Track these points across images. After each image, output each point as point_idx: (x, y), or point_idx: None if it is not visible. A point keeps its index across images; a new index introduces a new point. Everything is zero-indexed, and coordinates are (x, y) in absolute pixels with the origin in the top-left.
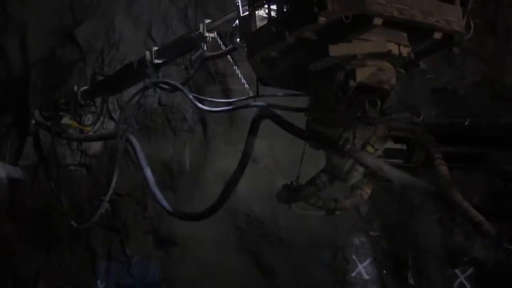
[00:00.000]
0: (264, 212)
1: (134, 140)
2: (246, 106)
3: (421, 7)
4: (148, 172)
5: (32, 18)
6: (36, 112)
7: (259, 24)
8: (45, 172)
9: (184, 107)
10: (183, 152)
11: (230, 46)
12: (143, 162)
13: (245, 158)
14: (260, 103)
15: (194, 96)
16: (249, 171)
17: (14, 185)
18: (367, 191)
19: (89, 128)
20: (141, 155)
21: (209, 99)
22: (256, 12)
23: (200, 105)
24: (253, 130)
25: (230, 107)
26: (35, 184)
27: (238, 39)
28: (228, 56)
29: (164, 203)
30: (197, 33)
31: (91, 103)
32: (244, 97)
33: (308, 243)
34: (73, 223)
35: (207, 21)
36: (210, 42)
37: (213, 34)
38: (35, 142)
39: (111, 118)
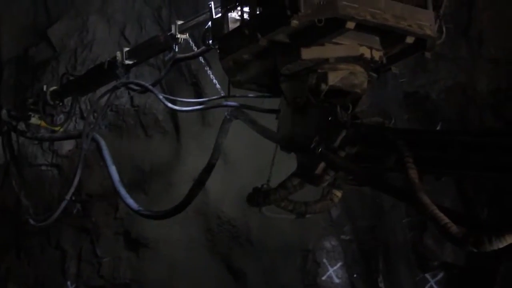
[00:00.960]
0: (235, 214)
1: (100, 139)
2: (218, 106)
3: (393, 11)
4: (113, 170)
5: (5, 17)
6: (3, 112)
7: (232, 26)
8: (15, 171)
9: (156, 108)
10: (155, 153)
11: (202, 47)
12: (109, 160)
13: (214, 158)
14: (232, 103)
15: (164, 96)
16: (221, 173)
17: None
18: (338, 194)
19: (59, 128)
20: (106, 153)
21: (180, 99)
22: (229, 14)
23: (170, 105)
24: (223, 130)
25: (201, 106)
26: (6, 183)
27: (210, 41)
28: (200, 57)
29: (129, 201)
30: (169, 34)
31: (60, 103)
32: (215, 97)
33: (279, 246)
34: (31, 221)
35: (179, 22)
36: (182, 43)
37: (185, 35)
38: (7, 141)
39: (83, 118)
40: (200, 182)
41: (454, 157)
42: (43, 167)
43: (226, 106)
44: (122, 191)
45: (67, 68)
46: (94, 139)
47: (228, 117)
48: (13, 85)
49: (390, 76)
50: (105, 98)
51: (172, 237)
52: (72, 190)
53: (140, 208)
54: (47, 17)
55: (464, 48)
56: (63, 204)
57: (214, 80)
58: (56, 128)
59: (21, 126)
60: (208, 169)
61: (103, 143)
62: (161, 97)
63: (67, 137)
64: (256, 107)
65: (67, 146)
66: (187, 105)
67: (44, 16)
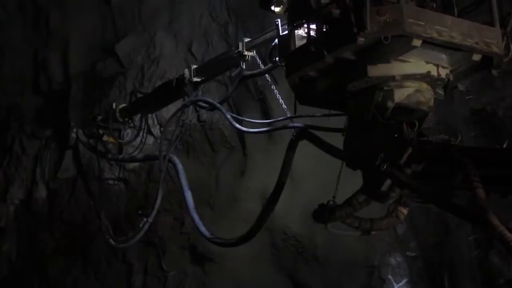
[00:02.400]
0: (301, 230)
1: (177, 162)
2: (284, 128)
3: (460, 29)
4: (189, 196)
5: (74, 33)
6: (80, 132)
7: (298, 43)
8: (84, 185)
9: (223, 124)
10: (221, 168)
11: (269, 65)
12: (185, 185)
13: (283, 178)
14: (298, 124)
15: (232, 116)
16: (287, 188)
17: (52, 198)
18: (404, 211)
19: (127, 144)
20: (183, 177)
21: (247, 119)
22: (295, 31)
23: (237, 125)
24: (291, 150)
25: (268, 128)
26: (73, 197)
27: (277, 58)
28: (267, 75)
29: (202, 228)
30: (236, 51)
31: (129, 121)
32: (281, 118)
33: (344, 262)
34: (111, 241)
35: (246, 39)
36: (249, 60)
37: (252, 52)
38: (74, 156)
39: (150, 133)
40: (271, 203)
41: None
42: (110, 181)
43: (293, 127)
44: (196, 218)
45: (134, 84)
46: (171, 161)
47: (294, 137)
48: (80, 100)
49: (457, 93)
50: (176, 116)
51: (238, 252)
52: (154, 212)
53: (212, 236)
54: (114, 33)
55: None
56: (146, 226)
57: (280, 100)
58: (122, 142)
59: (99, 147)
60: (278, 190)
61: (180, 167)
62: (228, 116)
63: (146, 158)
64: (321, 127)
65: None
66: (253, 125)
67: (112, 32)
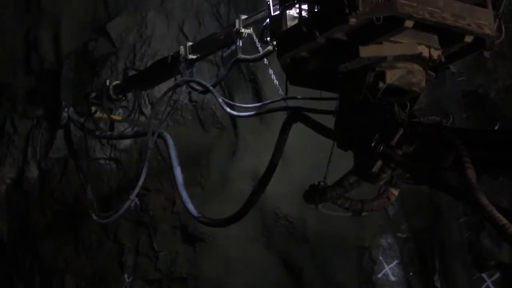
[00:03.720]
0: (292, 211)
1: (168, 137)
2: (276, 110)
3: (452, 10)
4: (178, 172)
5: (65, 12)
6: (70, 109)
7: (290, 23)
8: (75, 165)
9: (214, 104)
10: (212, 148)
11: (266, 49)
12: (175, 161)
13: (275, 160)
14: (291, 106)
15: (224, 100)
16: (278, 169)
17: (44, 177)
18: (395, 193)
19: (120, 118)
20: (173, 153)
21: (239, 104)
22: (287, 11)
23: (229, 110)
24: (284, 132)
25: (259, 111)
26: (65, 176)
27: (268, 38)
28: (265, 59)
29: (190, 206)
30: (233, 29)
31: (123, 98)
32: (272, 100)
33: (335, 243)
34: (94, 216)
35: (243, 17)
36: (245, 37)
37: (249, 30)
38: (66, 135)
39: (142, 113)
40: (262, 184)
41: None
42: (102, 161)
43: (286, 109)
44: (184, 196)
45: (125, 64)
46: (161, 137)
47: (288, 120)
48: (72, 80)
49: (449, 75)
50: (167, 95)
51: (229, 232)
52: (137, 190)
53: (200, 215)
54: (106, 12)
55: None
56: (128, 203)
57: (275, 80)
58: (117, 118)
59: (89, 124)
60: (270, 171)
61: (170, 142)
62: (220, 100)
63: (135, 135)
64: (314, 109)
65: (126, 141)
66: (245, 110)
67: (104, 12)
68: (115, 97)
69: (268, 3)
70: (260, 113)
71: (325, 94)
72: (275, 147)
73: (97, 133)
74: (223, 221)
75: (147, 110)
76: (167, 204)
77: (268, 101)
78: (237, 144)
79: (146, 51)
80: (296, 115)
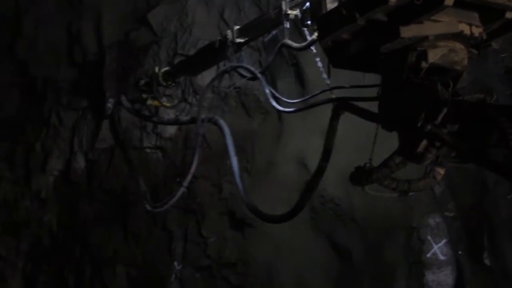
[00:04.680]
0: (338, 193)
1: (224, 125)
2: (323, 103)
3: None
4: (235, 162)
5: (106, 3)
6: (123, 98)
7: (330, 6)
8: (122, 154)
9: (258, 89)
10: (257, 134)
11: (311, 38)
12: (232, 151)
13: (329, 146)
14: (335, 97)
15: (270, 92)
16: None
17: (91, 168)
18: (441, 172)
19: (169, 104)
20: (230, 142)
21: (286, 100)
22: None
23: (275, 105)
24: (335, 118)
25: (306, 105)
26: (112, 167)
27: (309, 22)
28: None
29: (247, 197)
30: (279, 11)
31: (173, 84)
32: (319, 92)
33: (383, 223)
34: (147, 207)
35: None
36: (291, 19)
37: (296, 11)
38: (111, 125)
39: (185, 101)
40: (319, 171)
41: None
42: (147, 150)
43: (330, 101)
44: (241, 186)
45: (168, 52)
46: (217, 124)
47: (335, 110)
48: (115, 70)
49: (491, 52)
50: (214, 82)
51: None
52: (189, 177)
53: (256, 208)
54: (146, 2)
55: None
56: (181, 191)
57: (319, 62)
58: (168, 105)
59: (144, 110)
60: (325, 157)
61: (227, 131)
62: (267, 91)
63: (191, 121)
64: (358, 98)
65: (171, 129)
66: (291, 105)
67: (144, 1)
68: (164, 83)
69: None
70: (306, 108)
71: (368, 78)
72: (326, 134)
73: (154, 118)
74: (277, 218)
75: (191, 98)
76: (214, 190)
77: (315, 92)
78: (281, 129)
79: (187, 39)
80: (342, 105)
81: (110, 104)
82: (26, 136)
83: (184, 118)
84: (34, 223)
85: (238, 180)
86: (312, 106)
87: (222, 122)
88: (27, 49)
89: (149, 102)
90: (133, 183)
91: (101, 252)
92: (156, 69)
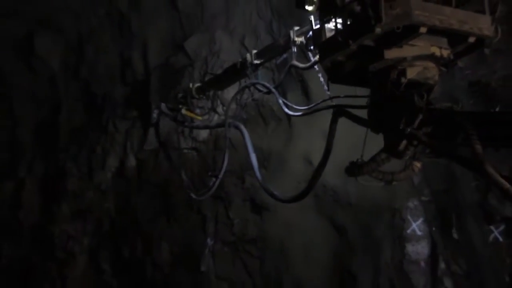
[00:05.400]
0: (337, 183)
1: (242, 128)
2: (323, 108)
3: (457, 17)
4: (254, 158)
5: (151, 34)
6: (163, 105)
7: (328, 34)
8: (164, 154)
9: (272, 101)
10: (272, 137)
11: (313, 60)
12: (251, 148)
13: (329, 147)
14: (334, 104)
15: (283, 101)
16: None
17: (140, 166)
18: (418, 165)
19: (200, 118)
20: (249, 142)
21: (294, 106)
22: (326, 25)
23: (287, 110)
24: (333, 123)
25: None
26: (157, 165)
27: (311, 47)
28: (315, 66)
29: (266, 185)
30: (288, 38)
31: (203, 97)
32: (322, 100)
33: (372, 206)
34: (192, 195)
35: (296, 28)
36: (298, 44)
37: (301, 38)
38: (156, 131)
39: (215, 111)
40: (321, 167)
41: (510, 132)
42: (185, 150)
43: (329, 108)
44: (260, 177)
45: (200, 72)
46: (237, 127)
47: (334, 115)
48: (158, 87)
49: (457, 69)
50: (238, 95)
51: None
52: (223, 171)
53: (275, 192)
54: (183, 32)
55: None
56: (217, 182)
57: (321, 77)
58: (199, 118)
59: (179, 116)
60: (326, 156)
61: (245, 131)
62: (281, 101)
63: (217, 125)
64: (352, 105)
65: (204, 133)
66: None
67: (181, 32)
68: (197, 96)
69: (311, 19)
70: (309, 113)
71: (360, 90)
72: (328, 137)
73: (186, 123)
74: (293, 197)
75: (219, 109)
76: (238, 182)
77: (318, 101)
78: (291, 133)
79: (216, 62)
80: (339, 111)
81: (155, 114)
82: (89, 141)
83: (212, 123)
84: (96, 210)
85: (256, 171)
86: (315, 111)
87: (242, 127)
88: (89, 71)
89: (183, 111)
90: (174, 178)
91: (149, 232)
92: (190, 85)
